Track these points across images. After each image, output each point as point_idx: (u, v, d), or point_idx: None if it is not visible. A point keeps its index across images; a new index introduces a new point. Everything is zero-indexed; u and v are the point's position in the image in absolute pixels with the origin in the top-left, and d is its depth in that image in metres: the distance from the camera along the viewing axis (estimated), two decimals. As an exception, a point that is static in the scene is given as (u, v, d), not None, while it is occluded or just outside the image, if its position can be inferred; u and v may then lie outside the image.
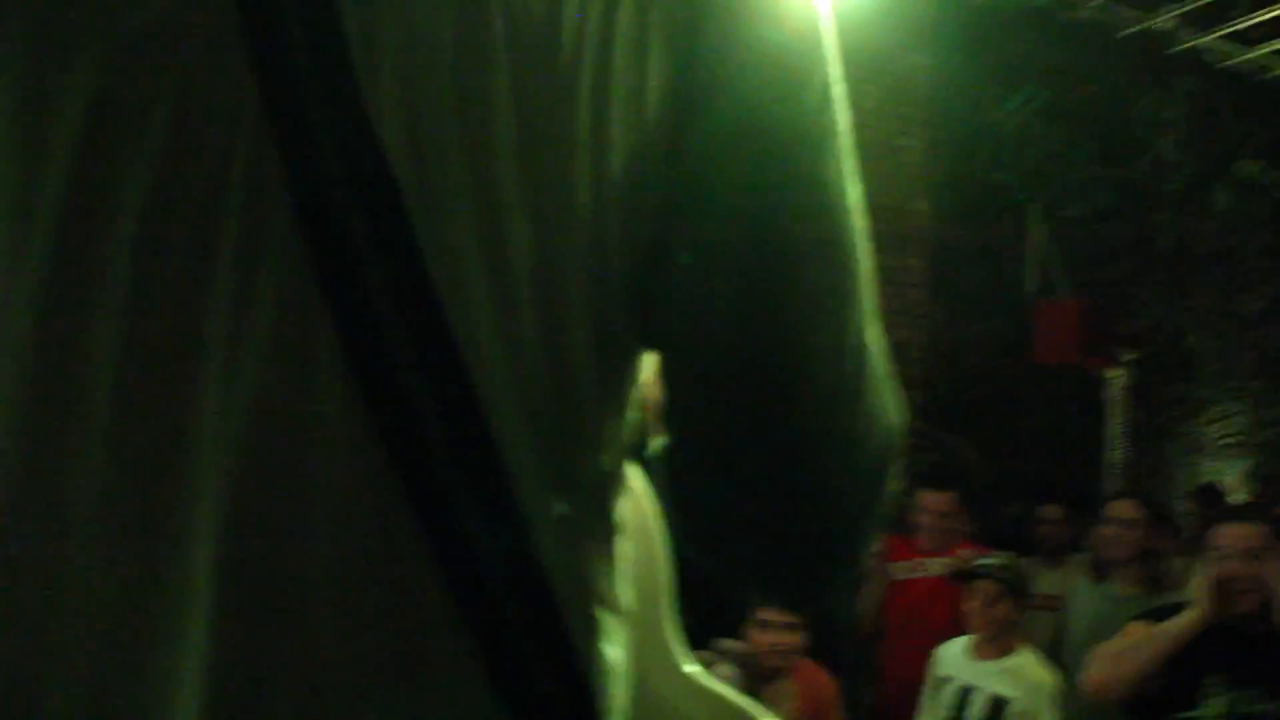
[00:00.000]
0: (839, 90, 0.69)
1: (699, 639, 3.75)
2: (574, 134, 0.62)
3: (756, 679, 3.45)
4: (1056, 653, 3.90)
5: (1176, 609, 2.97)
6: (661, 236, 0.65)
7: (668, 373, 0.68)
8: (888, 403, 0.70)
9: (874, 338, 0.69)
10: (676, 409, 0.68)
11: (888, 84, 6.22)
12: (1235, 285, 8.37)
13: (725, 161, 0.65)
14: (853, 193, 0.69)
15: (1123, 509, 4.14)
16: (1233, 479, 8.15)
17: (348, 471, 0.59)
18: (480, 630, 0.59)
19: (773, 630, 3.42)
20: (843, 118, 0.69)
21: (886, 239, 5.93)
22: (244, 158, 0.59)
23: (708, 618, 3.70)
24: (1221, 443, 8.27)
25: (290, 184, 0.59)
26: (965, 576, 3.65)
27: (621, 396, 0.68)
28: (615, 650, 0.66)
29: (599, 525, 0.67)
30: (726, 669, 3.46)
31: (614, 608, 0.66)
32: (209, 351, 0.58)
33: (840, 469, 0.68)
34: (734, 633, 3.55)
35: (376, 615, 0.58)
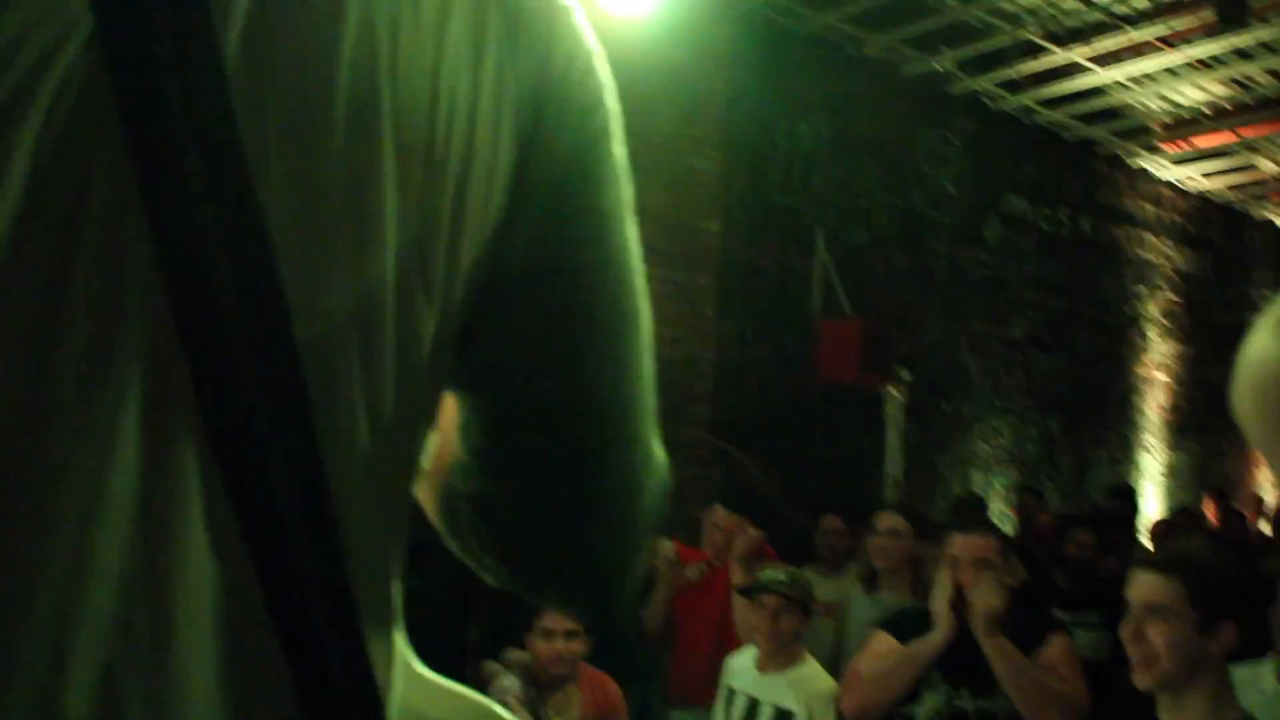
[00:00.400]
0: (628, 177, 0.77)
1: (486, 651, 3.74)
2: (440, 213, 0.66)
3: (542, 687, 3.45)
4: (837, 658, 4.05)
5: (911, 615, 3.25)
6: (486, 308, 0.71)
7: (487, 416, 0.74)
8: (657, 448, 0.79)
9: (650, 394, 0.78)
10: (492, 449, 0.75)
11: (684, 105, 6.34)
12: (1004, 311, 8.90)
13: (541, 243, 0.71)
14: (638, 265, 0.76)
15: (889, 521, 4.30)
16: (998, 490, 8.64)
17: (203, 519, 0.59)
18: (298, 660, 0.61)
19: (556, 639, 3.44)
20: (629, 193, 0.76)
21: (678, 256, 6.04)
22: (100, 203, 0.58)
23: (495, 630, 3.69)
24: (991, 457, 8.76)
25: (154, 234, 0.58)
26: (750, 590, 3.71)
27: (424, 443, 0.73)
28: (395, 674, 0.70)
29: (398, 559, 0.70)
30: (512, 680, 3.46)
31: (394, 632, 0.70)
32: (61, 393, 0.57)
33: (623, 501, 0.76)
34: (520, 644, 3.55)
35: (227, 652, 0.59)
